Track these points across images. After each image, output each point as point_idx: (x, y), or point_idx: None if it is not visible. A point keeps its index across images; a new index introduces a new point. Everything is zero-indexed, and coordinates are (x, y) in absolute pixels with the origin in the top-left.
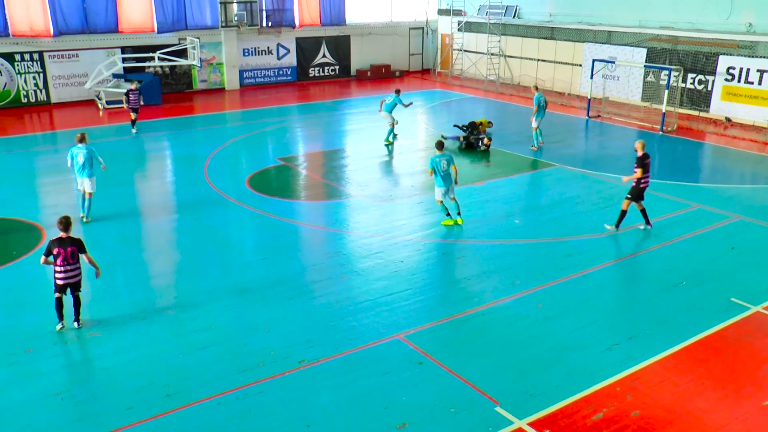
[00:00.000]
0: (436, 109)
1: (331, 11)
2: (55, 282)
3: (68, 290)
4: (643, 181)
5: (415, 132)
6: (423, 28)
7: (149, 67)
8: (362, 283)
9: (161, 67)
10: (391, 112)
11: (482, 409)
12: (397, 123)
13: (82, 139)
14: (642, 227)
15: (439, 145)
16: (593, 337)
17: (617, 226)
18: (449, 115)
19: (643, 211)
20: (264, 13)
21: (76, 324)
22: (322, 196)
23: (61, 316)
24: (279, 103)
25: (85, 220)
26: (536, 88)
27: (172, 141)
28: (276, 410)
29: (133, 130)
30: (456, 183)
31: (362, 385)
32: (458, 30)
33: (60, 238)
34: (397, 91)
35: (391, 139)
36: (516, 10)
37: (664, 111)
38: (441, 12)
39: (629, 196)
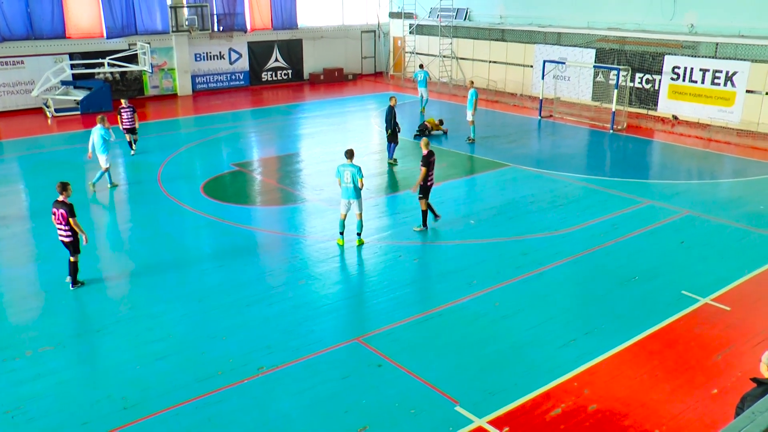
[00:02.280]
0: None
1: (283, 15)
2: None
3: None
4: (429, 179)
5: (369, 135)
6: (375, 32)
7: (99, 73)
8: (320, 288)
9: (111, 73)
10: (426, 87)
11: (442, 409)
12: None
13: (102, 120)
14: (417, 228)
15: (349, 154)
16: (550, 334)
17: (424, 224)
18: (403, 118)
19: (424, 212)
20: (215, 17)
21: (68, 279)
22: (278, 201)
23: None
24: (232, 108)
25: (108, 186)
26: (471, 83)
27: (124, 149)
28: (236, 418)
29: (132, 151)
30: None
31: (322, 389)
32: (410, 33)
33: (56, 200)
34: (421, 66)
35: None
36: (467, 12)
37: (614, 110)
38: (392, 15)
39: (421, 195)
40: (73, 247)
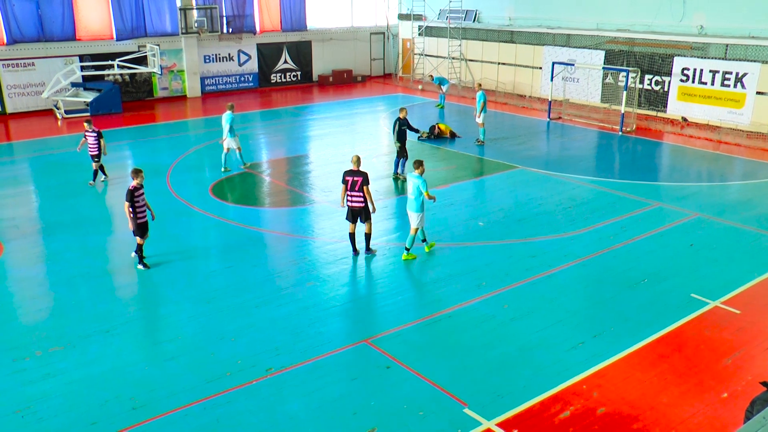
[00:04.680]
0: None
1: (292, 17)
2: None
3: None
4: (349, 200)
5: (378, 137)
6: (384, 33)
7: (109, 75)
8: (328, 289)
9: (121, 75)
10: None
11: (451, 411)
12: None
13: (230, 108)
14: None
15: (417, 165)
16: (559, 337)
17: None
18: (411, 120)
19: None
20: (224, 19)
21: (133, 254)
22: (287, 203)
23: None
24: (241, 109)
25: (240, 168)
26: (479, 86)
27: (133, 150)
28: (244, 419)
29: (103, 177)
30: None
31: (330, 391)
32: (419, 35)
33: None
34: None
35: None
36: (476, 14)
37: (623, 112)
38: (401, 17)
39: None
40: (142, 229)
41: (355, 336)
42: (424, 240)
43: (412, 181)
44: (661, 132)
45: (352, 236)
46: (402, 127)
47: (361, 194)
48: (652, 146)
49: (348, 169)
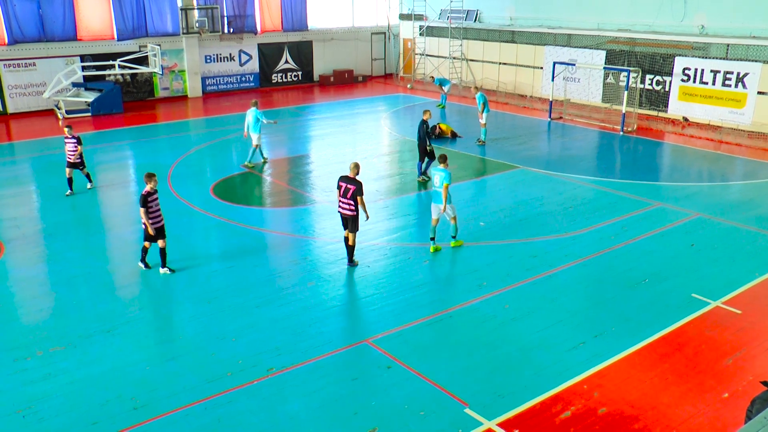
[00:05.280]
0: (399, 114)
1: (293, 17)
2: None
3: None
4: (339, 205)
5: (379, 137)
6: (385, 33)
7: (110, 75)
8: (329, 289)
9: (122, 75)
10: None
11: (451, 411)
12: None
13: (254, 104)
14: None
15: (442, 159)
16: (559, 337)
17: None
18: (413, 120)
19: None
20: (225, 19)
21: (160, 269)
22: (288, 203)
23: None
24: (242, 109)
25: (249, 164)
26: (476, 88)
27: (134, 150)
28: (245, 419)
29: (89, 185)
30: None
31: (331, 391)
32: (420, 34)
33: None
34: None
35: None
36: (477, 14)
37: (624, 112)
38: (402, 17)
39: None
40: (158, 232)
41: (356, 336)
42: (453, 236)
43: (438, 174)
44: (662, 132)
45: (346, 240)
46: (428, 130)
47: (352, 203)
48: (653, 146)
49: (344, 174)
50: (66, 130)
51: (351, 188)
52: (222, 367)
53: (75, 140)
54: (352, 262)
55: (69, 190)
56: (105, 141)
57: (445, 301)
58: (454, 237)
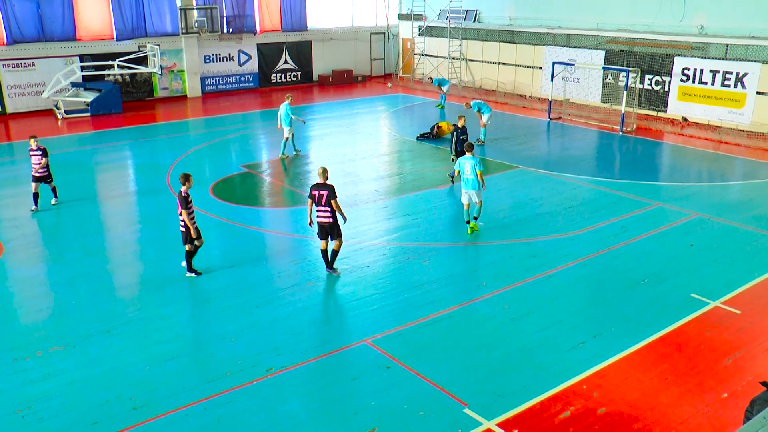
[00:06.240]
0: (398, 114)
1: (292, 17)
2: None
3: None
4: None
5: (378, 137)
6: (384, 33)
7: (109, 75)
8: (328, 290)
9: (121, 75)
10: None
11: (451, 412)
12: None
13: (288, 99)
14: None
15: (469, 147)
16: (559, 337)
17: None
18: (412, 119)
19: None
20: (225, 19)
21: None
22: (287, 203)
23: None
24: (241, 109)
25: (283, 156)
26: (467, 105)
27: (133, 150)
28: (245, 419)
29: (53, 201)
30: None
31: (331, 391)
32: (419, 35)
33: (179, 191)
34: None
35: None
36: (476, 14)
37: (623, 112)
38: (402, 17)
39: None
40: (185, 237)
41: (356, 336)
42: (475, 217)
43: (469, 162)
44: (661, 132)
45: (323, 253)
46: (461, 136)
47: (329, 209)
48: (653, 146)
49: (315, 182)
50: (31, 141)
51: (324, 194)
52: (222, 367)
53: (40, 152)
54: (332, 270)
55: (34, 206)
56: (104, 141)
57: (444, 301)
58: (476, 218)
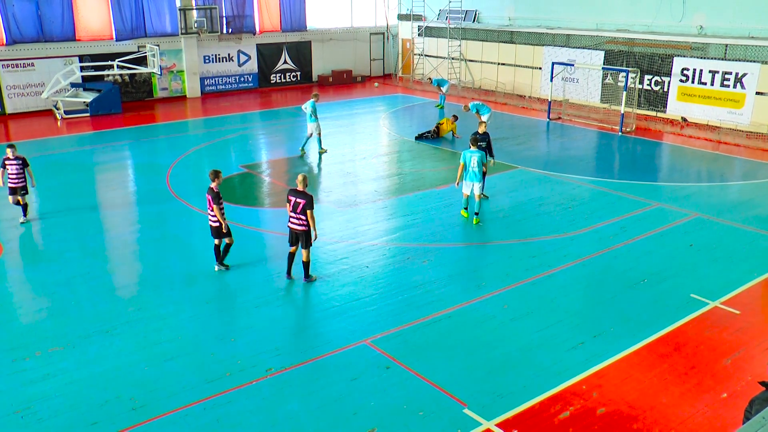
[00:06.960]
0: (398, 114)
1: (292, 17)
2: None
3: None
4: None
5: (377, 137)
6: (384, 33)
7: (108, 75)
8: (328, 290)
9: (121, 75)
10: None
11: (450, 412)
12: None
13: (314, 96)
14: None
15: (473, 141)
16: (559, 337)
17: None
18: (411, 120)
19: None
20: (224, 19)
21: (217, 267)
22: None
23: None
24: (241, 110)
25: (302, 151)
26: (465, 107)
27: (133, 150)
28: (245, 420)
29: (22, 219)
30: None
31: (330, 391)
32: (419, 35)
33: (209, 187)
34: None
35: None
36: (476, 14)
37: (622, 112)
38: (401, 17)
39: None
40: (216, 231)
41: (356, 336)
42: (476, 213)
43: (474, 155)
44: (660, 132)
45: (290, 256)
46: (480, 143)
47: (303, 217)
48: (652, 146)
49: (293, 188)
50: (8, 150)
51: (301, 202)
52: (221, 367)
53: (20, 162)
54: (309, 278)
55: (23, 217)
56: (104, 141)
57: (444, 301)
58: (477, 213)
